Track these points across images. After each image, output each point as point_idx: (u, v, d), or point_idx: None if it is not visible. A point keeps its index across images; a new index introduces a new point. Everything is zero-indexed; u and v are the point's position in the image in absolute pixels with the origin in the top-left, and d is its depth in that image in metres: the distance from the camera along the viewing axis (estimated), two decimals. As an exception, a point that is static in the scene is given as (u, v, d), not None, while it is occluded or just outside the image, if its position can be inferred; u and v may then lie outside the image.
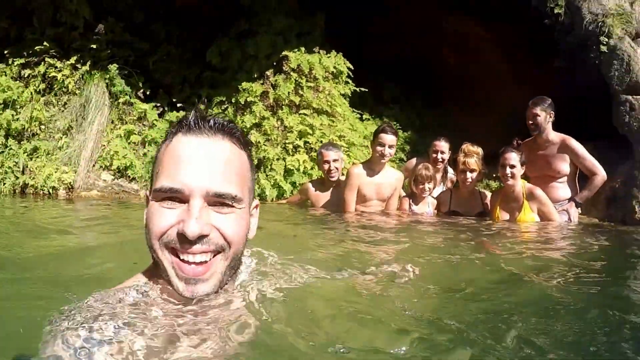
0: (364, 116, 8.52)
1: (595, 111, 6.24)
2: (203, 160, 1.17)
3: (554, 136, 5.26)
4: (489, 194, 5.44)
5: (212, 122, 1.21)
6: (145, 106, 7.45)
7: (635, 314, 1.84)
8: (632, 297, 2.14)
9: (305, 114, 7.53)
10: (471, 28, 8.30)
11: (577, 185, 5.28)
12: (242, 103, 7.42)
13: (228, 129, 1.23)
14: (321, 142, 7.35)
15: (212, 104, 7.57)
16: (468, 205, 5.29)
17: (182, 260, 1.17)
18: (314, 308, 1.47)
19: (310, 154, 7.16)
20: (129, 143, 7.17)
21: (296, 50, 7.67)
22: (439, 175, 5.85)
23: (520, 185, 4.78)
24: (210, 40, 7.82)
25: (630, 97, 5.92)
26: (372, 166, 5.20)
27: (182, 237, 1.14)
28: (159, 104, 7.70)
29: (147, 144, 7.20)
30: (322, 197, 5.53)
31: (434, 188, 5.47)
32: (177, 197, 1.16)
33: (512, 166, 4.67)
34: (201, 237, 1.14)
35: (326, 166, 5.40)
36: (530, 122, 5.27)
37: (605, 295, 2.20)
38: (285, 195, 6.78)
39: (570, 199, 5.19)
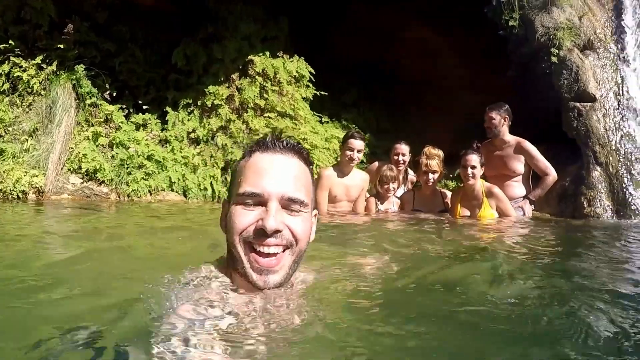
0: (324, 119, 8.67)
1: (545, 116, 6.60)
2: (278, 171, 1.44)
3: (510, 138, 5.64)
4: (449, 193, 5.74)
5: (285, 142, 1.50)
6: (111, 108, 7.36)
7: (584, 294, 2.04)
8: (583, 280, 2.35)
9: (270, 117, 7.68)
10: (430, 35, 8.58)
11: (530, 184, 5.63)
12: (209, 106, 7.50)
13: (297, 149, 1.52)
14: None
15: (179, 107, 7.59)
16: (430, 204, 5.56)
17: (258, 253, 1.42)
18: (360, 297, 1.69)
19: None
20: (97, 145, 7.04)
21: (261, 54, 7.81)
22: (401, 176, 6.07)
23: (480, 184, 5.09)
24: (176, 43, 7.86)
25: (578, 104, 6.32)
26: (341, 169, 5.45)
27: (260, 231, 1.39)
28: (124, 106, 7.65)
29: (114, 147, 7.10)
30: None
31: (397, 188, 5.72)
32: (257, 200, 1.41)
33: (473, 167, 4.98)
34: (276, 232, 1.39)
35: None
36: (487, 125, 5.63)
37: (561, 276, 2.43)
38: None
39: (524, 197, 5.55)
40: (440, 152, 5.50)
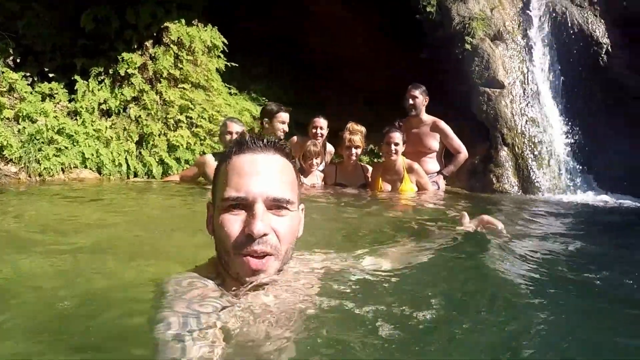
0: (232, 91, 8.43)
1: (456, 97, 6.95)
2: (261, 171, 1.41)
3: (427, 118, 5.98)
4: (369, 168, 5.93)
5: (264, 140, 1.47)
6: (15, 76, 6.61)
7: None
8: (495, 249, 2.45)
9: (184, 88, 7.33)
10: (339, 11, 8.53)
11: (442, 160, 6.00)
12: (121, 75, 7.00)
13: (278, 146, 1.49)
14: (202, 117, 7.24)
15: (89, 75, 7.02)
16: (352, 177, 5.73)
17: (248, 256, 1.37)
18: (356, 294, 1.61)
19: (192, 129, 7.03)
20: (1, 119, 6.28)
21: (177, 22, 7.42)
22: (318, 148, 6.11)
23: (401, 160, 5.37)
24: (85, 5, 7.27)
25: (488, 90, 6.71)
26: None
27: (248, 237, 1.36)
28: (28, 74, 6.94)
29: (20, 119, 6.38)
30: None
31: (320, 163, 5.84)
32: (242, 204, 1.38)
33: (396, 144, 5.24)
34: (263, 236, 1.36)
35: (228, 137, 5.42)
36: (411, 103, 5.88)
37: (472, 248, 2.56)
38: (170, 172, 6.56)
39: (438, 172, 5.88)
40: (363, 128, 5.70)
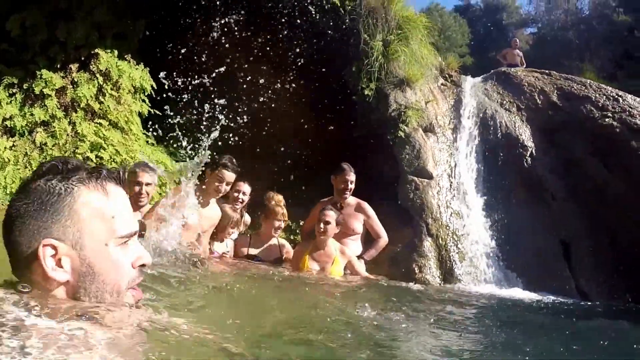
0: (150, 140, 7.89)
1: (382, 182, 6.89)
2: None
3: (351, 199, 5.77)
4: (286, 243, 5.66)
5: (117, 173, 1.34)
6: None
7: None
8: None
9: (101, 124, 6.73)
10: (266, 78, 8.31)
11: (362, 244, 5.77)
12: (36, 93, 6.34)
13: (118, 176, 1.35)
14: (114, 160, 6.64)
15: (1, 84, 6.28)
16: (267, 250, 5.41)
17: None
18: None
19: (102, 171, 6.38)
20: None
21: (109, 51, 6.96)
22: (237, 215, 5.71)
23: (332, 242, 5.09)
24: (14, 8, 6.63)
25: (416, 179, 6.68)
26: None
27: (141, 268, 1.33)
28: None
29: None
30: None
31: (237, 231, 5.57)
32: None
33: (328, 222, 4.97)
34: None
35: (137, 188, 4.85)
36: (350, 186, 5.66)
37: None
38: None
39: (359, 256, 5.55)
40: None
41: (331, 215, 5.01)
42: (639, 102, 7.05)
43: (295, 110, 8.26)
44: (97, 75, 6.79)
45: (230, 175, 4.89)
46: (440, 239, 6.19)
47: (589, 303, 5.76)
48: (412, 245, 6.08)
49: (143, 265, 1.31)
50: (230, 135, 8.50)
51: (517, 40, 14.46)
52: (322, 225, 4.95)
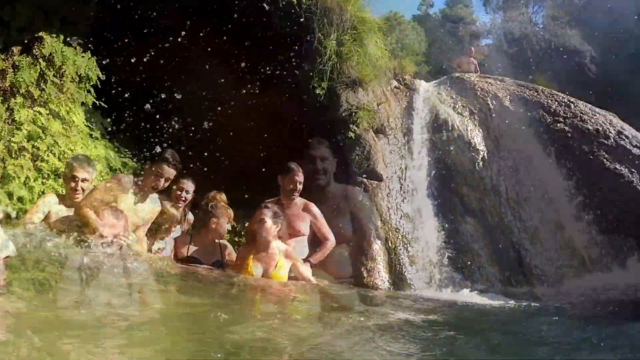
0: (94, 134, 7.43)
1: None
2: None
3: (299, 200, 5.59)
4: (228, 245, 5.46)
5: None
6: None
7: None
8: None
9: (40, 113, 6.28)
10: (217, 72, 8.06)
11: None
12: (-29, 75, 5.89)
13: None
14: (52, 151, 6.24)
15: None
16: (207, 252, 5.19)
17: None
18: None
19: (36, 163, 5.98)
20: None
21: (54, 35, 6.54)
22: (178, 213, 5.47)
23: (276, 244, 4.84)
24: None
25: (365, 180, 6.57)
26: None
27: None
28: None
29: None
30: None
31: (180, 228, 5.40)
32: None
33: (263, 220, 4.76)
34: None
35: (72, 184, 4.63)
36: (299, 187, 5.47)
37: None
38: (-5, 207, 5.39)
39: (305, 259, 5.33)
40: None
41: (267, 213, 4.79)
42: (590, 108, 7.20)
43: (251, 112, 8.06)
44: (40, 59, 6.35)
45: (169, 171, 4.68)
46: (389, 242, 6.09)
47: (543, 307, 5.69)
48: (360, 248, 5.95)
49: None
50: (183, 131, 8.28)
51: (472, 48, 14.70)
52: (256, 224, 4.78)
